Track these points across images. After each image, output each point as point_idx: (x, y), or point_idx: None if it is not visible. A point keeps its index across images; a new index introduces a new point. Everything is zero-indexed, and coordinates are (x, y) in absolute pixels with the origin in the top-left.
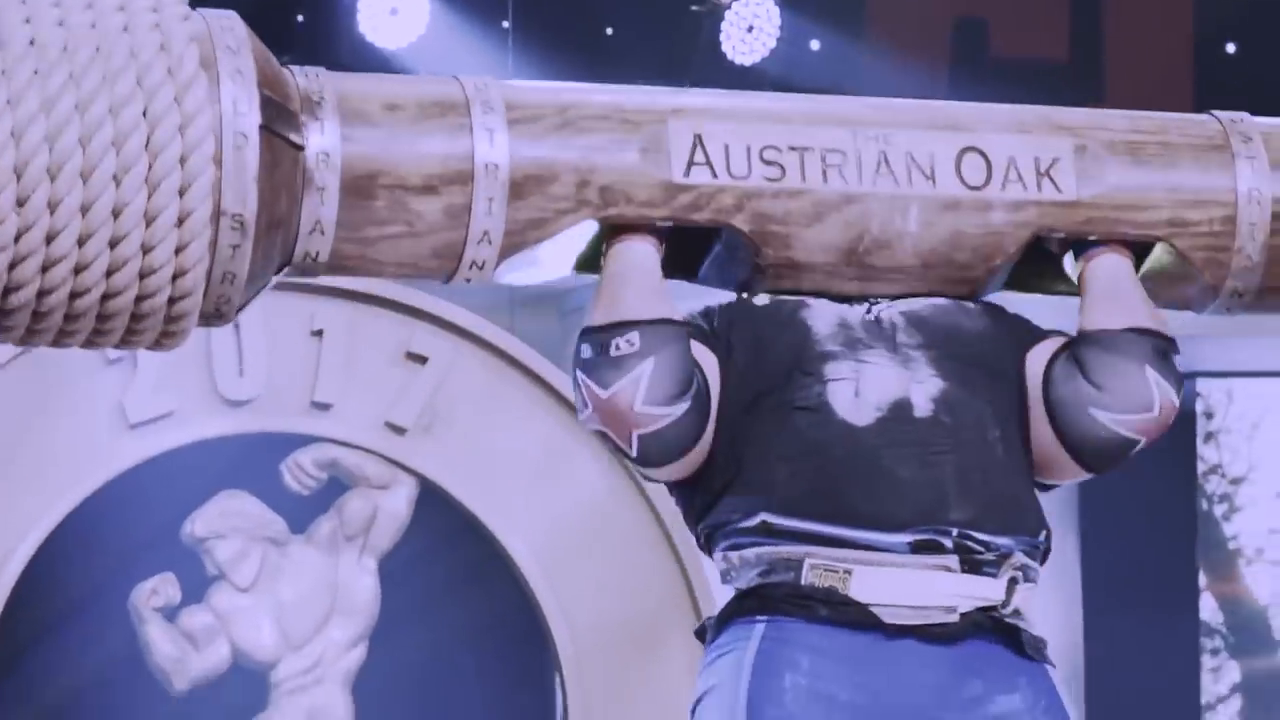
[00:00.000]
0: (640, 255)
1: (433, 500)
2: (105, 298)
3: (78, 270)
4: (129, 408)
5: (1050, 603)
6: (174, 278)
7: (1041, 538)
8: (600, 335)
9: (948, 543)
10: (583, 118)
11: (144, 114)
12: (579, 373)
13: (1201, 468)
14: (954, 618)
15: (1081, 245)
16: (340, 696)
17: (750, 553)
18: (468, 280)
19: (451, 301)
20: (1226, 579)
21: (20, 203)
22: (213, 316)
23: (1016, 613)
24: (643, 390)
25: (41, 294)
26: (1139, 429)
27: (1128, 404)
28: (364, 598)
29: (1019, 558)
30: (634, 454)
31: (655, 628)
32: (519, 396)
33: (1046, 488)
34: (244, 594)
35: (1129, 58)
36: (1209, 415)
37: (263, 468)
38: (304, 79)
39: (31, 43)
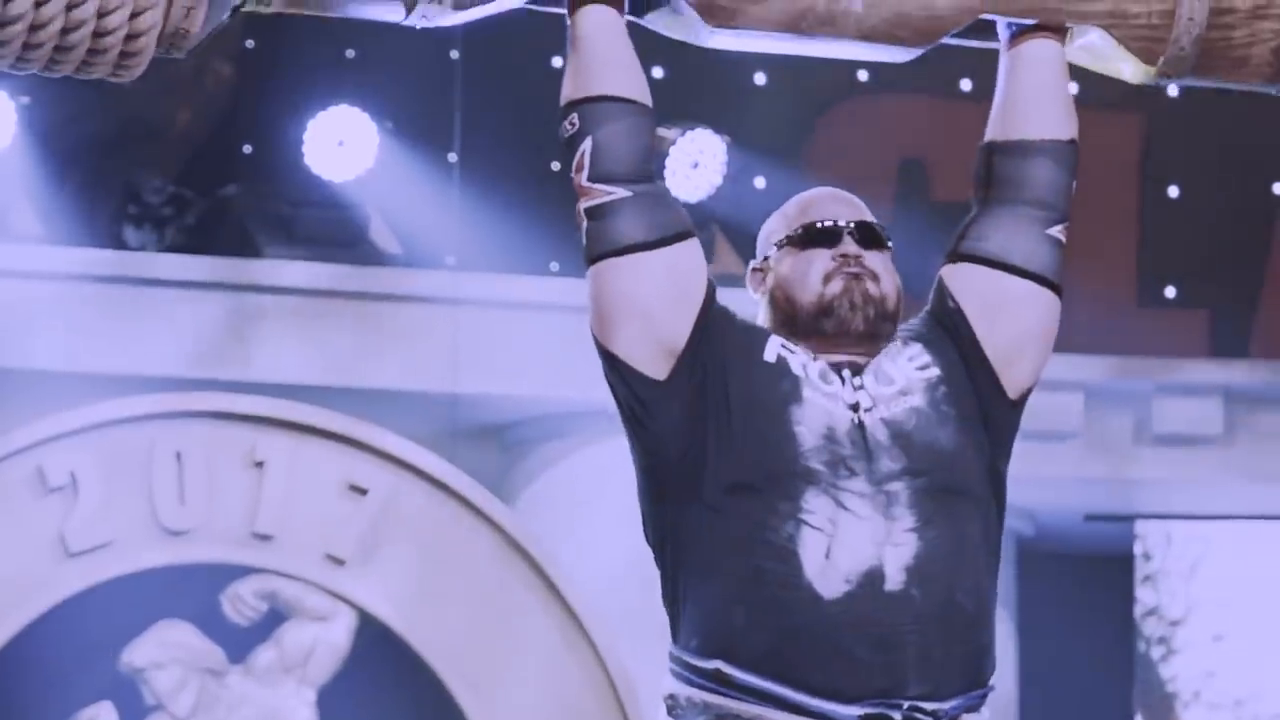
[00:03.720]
0: (594, 24)
1: (372, 632)
2: (59, 50)
3: (34, 28)
4: (69, 537)
5: None
6: (127, 37)
7: (991, 683)
8: (561, 121)
9: (897, 716)
10: None
11: None
12: None
13: (1140, 610)
14: None
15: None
16: None
17: (699, 697)
18: (421, 20)
19: (393, 433)
20: None
21: None
22: (164, 53)
23: None
24: (587, 166)
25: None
26: (1065, 234)
27: (1063, 213)
28: None
29: (964, 718)
30: (584, 235)
31: None
32: (460, 529)
33: (1017, 403)
34: None
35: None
36: (1148, 557)
37: (202, 598)
38: None
39: None
